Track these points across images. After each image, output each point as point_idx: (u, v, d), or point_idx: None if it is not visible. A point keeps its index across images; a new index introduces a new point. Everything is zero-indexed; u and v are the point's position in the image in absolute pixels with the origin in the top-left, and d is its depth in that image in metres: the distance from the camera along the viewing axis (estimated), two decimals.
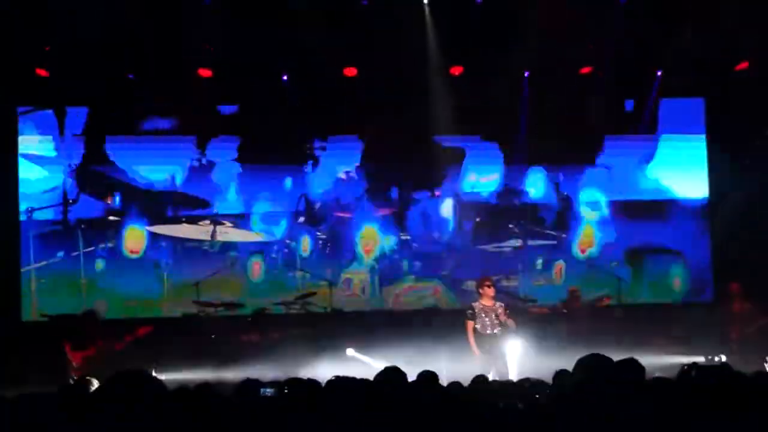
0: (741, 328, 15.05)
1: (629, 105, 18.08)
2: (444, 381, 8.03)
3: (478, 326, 13.21)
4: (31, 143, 16.58)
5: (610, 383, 4.58)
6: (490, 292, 13.50)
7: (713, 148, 17.77)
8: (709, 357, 14.95)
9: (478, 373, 9.88)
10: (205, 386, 6.12)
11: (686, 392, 5.00)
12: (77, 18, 14.57)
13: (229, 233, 17.08)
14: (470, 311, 13.43)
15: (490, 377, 11.73)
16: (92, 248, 16.40)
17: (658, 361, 13.11)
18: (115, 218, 16.79)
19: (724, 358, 14.65)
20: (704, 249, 17.81)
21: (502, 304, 13.74)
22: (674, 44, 16.45)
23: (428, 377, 7.21)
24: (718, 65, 17.12)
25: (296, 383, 6.65)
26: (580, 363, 4.79)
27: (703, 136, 17.95)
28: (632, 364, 4.80)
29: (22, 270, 16.32)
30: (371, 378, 6.14)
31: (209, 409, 5.44)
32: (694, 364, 6.91)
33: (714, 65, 17.06)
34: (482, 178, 17.85)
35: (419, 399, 5.83)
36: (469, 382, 8.33)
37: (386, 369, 6.29)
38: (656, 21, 16.24)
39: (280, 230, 17.38)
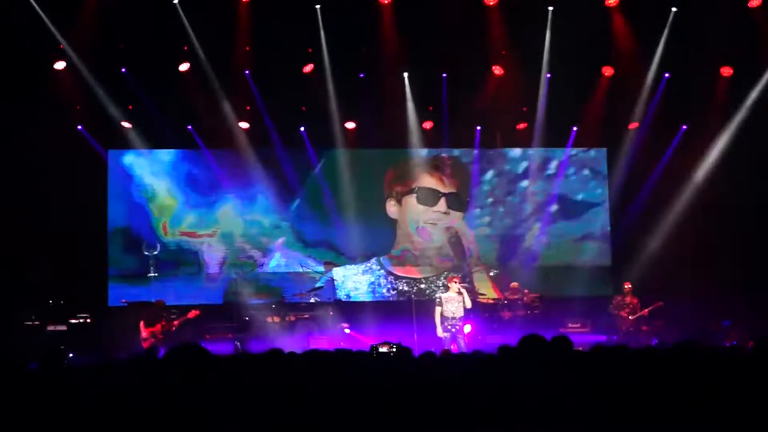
0: (629, 316, 14.92)
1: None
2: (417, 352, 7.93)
3: (444, 310, 13.06)
4: None
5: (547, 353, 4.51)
6: (456, 286, 13.31)
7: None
8: (609, 336, 14.90)
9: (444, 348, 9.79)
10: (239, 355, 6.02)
11: (599, 363, 4.91)
12: None
13: None
14: (438, 299, 13.28)
15: (452, 350, 11.63)
16: None
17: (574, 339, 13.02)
18: None
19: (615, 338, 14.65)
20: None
21: (463, 286, 13.58)
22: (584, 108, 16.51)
23: (405, 350, 7.14)
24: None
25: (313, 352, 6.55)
26: (523, 339, 4.67)
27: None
28: (564, 340, 4.69)
29: None
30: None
31: (243, 370, 5.33)
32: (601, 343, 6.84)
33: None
34: None
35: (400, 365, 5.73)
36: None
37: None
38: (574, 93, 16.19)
39: None
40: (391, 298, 17.05)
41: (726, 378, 4.77)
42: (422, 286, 17.17)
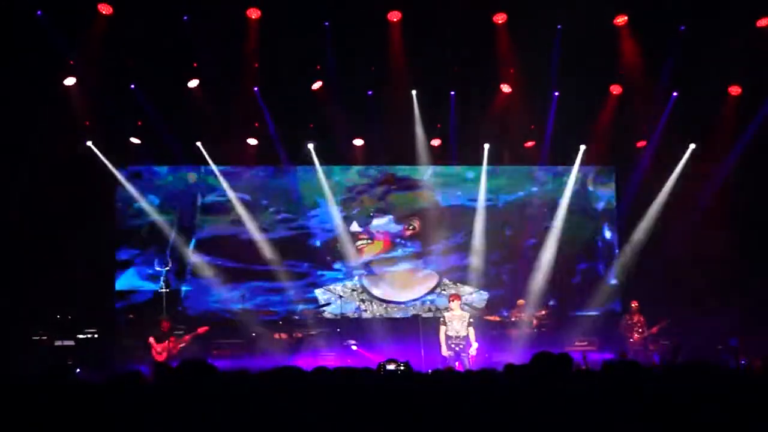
0: (637, 335, 14.93)
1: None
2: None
3: (448, 329, 13.07)
4: None
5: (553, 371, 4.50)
6: (457, 304, 13.36)
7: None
8: (617, 354, 14.83)
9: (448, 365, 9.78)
10: (244, 372, 6.01)
11: (609, 381, 4.89)
12: None
13: None
14: (442, 318, 13.30)
15: (457, 367, 11.61)
16: None
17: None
18: None
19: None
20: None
21: (468, 314, 13.62)
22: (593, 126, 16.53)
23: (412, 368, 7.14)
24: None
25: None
26: (535, 357, 4.66)
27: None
28: (566, 357, 4.69)
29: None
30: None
31: (247, 388, 5.33)
32: (611, 360, 6.81)
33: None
34: None
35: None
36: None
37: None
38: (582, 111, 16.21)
39: None
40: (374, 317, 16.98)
41: (735, 398, 4.75)
42: (401, 308, 17.13)
